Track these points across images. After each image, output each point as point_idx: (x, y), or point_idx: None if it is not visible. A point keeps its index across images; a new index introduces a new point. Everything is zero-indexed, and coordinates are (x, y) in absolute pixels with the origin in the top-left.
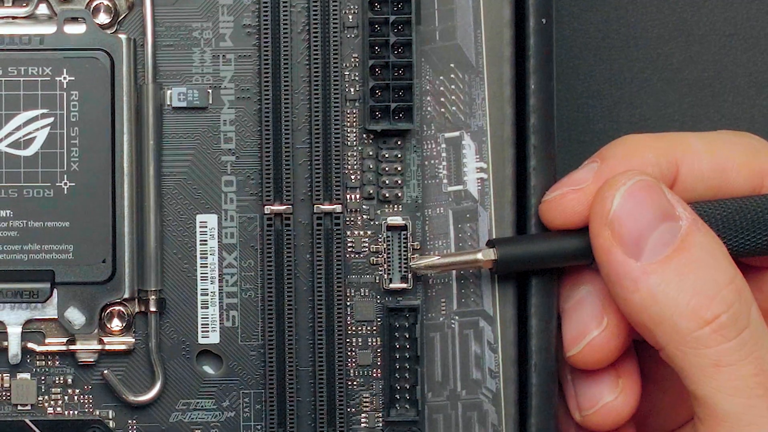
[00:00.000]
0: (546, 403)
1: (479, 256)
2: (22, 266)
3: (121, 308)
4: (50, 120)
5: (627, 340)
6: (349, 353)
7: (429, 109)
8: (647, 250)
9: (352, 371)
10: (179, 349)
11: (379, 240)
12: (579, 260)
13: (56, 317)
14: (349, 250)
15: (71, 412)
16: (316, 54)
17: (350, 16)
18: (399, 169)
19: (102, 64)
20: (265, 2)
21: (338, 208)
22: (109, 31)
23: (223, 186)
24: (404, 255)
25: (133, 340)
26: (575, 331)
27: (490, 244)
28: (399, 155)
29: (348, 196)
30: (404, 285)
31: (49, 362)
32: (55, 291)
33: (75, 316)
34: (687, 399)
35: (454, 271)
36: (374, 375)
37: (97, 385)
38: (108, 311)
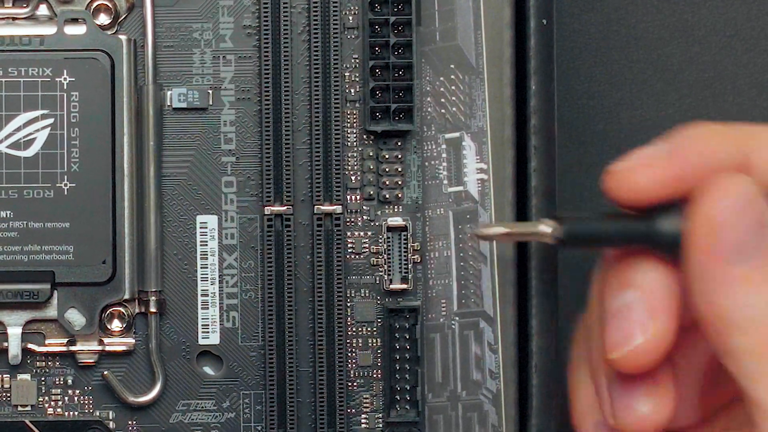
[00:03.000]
0: (546, 404)
1: (544, 229)
2: (22, 267)
3: (121, 309)
4: (50, 121)
5: (669, 347)
6: (349, 354)
7: (429, 110)
8: (745, 256)
9: (352, 372)
10: (179, 349)
11: (380, 241)
12: (643, 244)
13: (56, 318)
14: (349, 250)
15: (71, 412)
16: (317, 55)
17: (350, 17)
18: (399, 169)
19: (102, 65)
20: (266, 3)
21: (338, 208)
22: (109, 32)
23: (224, 187)
24: (404, 256)
25: (133, 341)
26: (620, 336)
27: (555, 218)
28: (399, 156)
29: (348, 197)
30: (404, 286)
31: (49, 363)
32: (55, 292)
33: (75, 317)
34: (713, 392)
35: (453, 269)
36: (374, 376)
37: (98, 386)
38: (108, 312)
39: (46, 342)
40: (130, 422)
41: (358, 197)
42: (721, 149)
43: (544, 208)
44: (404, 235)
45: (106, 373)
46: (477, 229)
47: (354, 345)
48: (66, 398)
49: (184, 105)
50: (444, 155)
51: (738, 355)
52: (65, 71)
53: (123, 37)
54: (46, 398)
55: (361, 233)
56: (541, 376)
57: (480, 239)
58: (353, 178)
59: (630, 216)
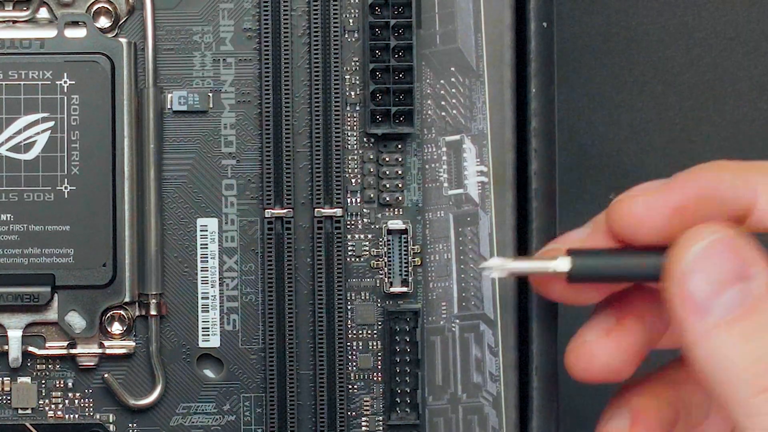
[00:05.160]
0: (547, 407)
1: (561, 267)
2: (22, 270)
3: (122, 312)
4: (51, 124)
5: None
6: (349, 357)
7: (429, 112)
8: (714, 310)
9: (352, 375)
10: (180, 352)
11: (380, 244)
12: (652, 280)
13: (57, 321)
14: (349, 253)
15: (72, 415)
16: (317, 58)
17: (351, 20)
18: (399, 172)
19: (102, 68)
20: (266, 6)
21: (339, 211)
22: (109, 35)
23: (224, 189)
24: (405, 258)
25: (134, 343)
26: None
27: (569, 253)
28: (399, 159)
29: (349, 200)
30: (405, 288)
31: (50, 366)
32: (55, 295)
33: (75, 320)
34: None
35: (454, 272)
36: (375, 378)
37: (98, 389)
38: (108, 315)
39: (47, 345)
40: (130, 425)
41: (358, 200)
42: (726, 184)
43: (544, 212)
44: (404, 238)
45: (106, 375)
46: (485, 263)
47: (354, 348)
48: (66, 401)
49: (184, 108)
50: (444, 158)
51: (721, 403)
52: (65, 74)
53: (123, 40)
54: (47, 401)
55: (362, 236)
56: (541, 379)
57: (489, 275)
58: (353, 181)
59: (643, 253)
